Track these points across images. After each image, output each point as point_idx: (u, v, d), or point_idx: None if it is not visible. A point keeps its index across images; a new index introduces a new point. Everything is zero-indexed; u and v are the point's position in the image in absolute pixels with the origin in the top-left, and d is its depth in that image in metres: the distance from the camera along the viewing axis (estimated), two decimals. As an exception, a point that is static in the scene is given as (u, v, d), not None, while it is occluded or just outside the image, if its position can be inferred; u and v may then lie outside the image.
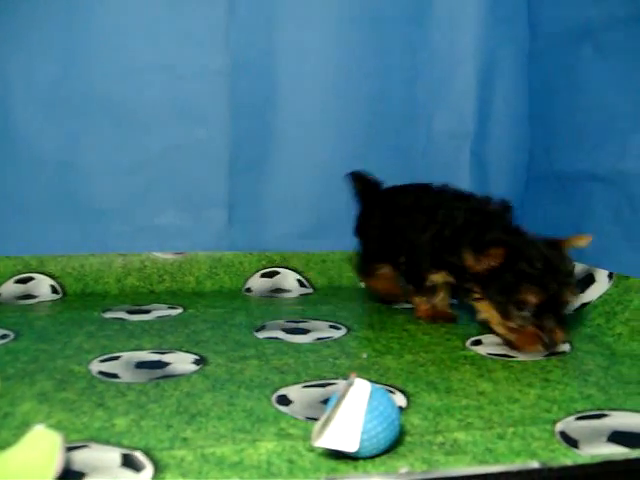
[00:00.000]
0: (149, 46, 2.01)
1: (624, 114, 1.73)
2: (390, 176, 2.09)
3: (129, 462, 0.91)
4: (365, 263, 1.95)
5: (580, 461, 0.81)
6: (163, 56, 2.02)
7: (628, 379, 1.30)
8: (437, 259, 1.61)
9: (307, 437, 0.92)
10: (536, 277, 1.39)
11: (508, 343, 1.47)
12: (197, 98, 2.05)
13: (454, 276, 1.58)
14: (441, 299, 1.75)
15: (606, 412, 1.12)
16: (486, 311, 1.48)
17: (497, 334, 1.49)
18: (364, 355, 1.42)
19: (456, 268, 1.54)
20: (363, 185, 2.03)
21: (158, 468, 0.89)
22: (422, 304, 1.73)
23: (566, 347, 1.49)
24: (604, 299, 1.72)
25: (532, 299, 1.39)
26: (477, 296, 1.49)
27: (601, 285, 1.77)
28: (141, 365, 1.34)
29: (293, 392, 1.20)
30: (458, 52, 2.21)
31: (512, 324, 1.43)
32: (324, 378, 1.27)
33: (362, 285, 2.13)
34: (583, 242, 1.47)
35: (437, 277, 1.64)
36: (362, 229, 1.96)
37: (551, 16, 2.09)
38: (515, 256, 1.41)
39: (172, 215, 2.09)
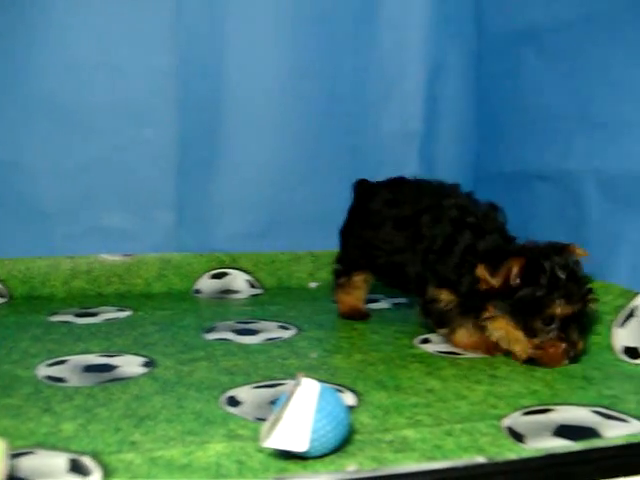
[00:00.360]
0: (94, 45, 1.99)
1: (568, 115, 1.76)
2: (339, 175, 2.11)
3: (76, 467, 0.90)
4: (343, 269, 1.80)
5: (524, 455, 0.83)
6: (109, 55, 2.00)
7: (572, 374, 1.33)
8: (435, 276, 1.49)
9: (256, 438, 0.92)
10: (562, 288, 1.32)
11: (529, 361, 1.38)
12: (144, 98, 2.04)
13: (455, 293, 1.46)
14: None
15: (551, 407, 1.14)
16: (503, 329, 1.38)
17: (514, 353, 1.39)
18: (314, 355, 1.43)
19: (457, 284, 1.45)
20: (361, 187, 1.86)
21: (106, 472, 0.88)
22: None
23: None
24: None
25: (563, 312, 1.32)
26: (490, 314, 1.38)
27: (548, 283, 1.80)
28: (89, 369, 1.33)
29: (242, 393, 1.20)
30: (406, 52, 2.24)
31: (537, 341, 1.35)
32: (274, 379, 1.28)
33: (312, 285, 2.14)
34: (580, 252, 1.42)
35: (443, 295, 1.49)
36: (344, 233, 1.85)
37: (498, 17, 2.12)
38: (535, 267, 1.33)
39: (120, 216, 2.07)
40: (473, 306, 1.41)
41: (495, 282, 1.33)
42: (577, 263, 1.37)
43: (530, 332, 1.34)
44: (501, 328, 1.37)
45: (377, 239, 1.63)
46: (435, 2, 2.22)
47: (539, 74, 1.89)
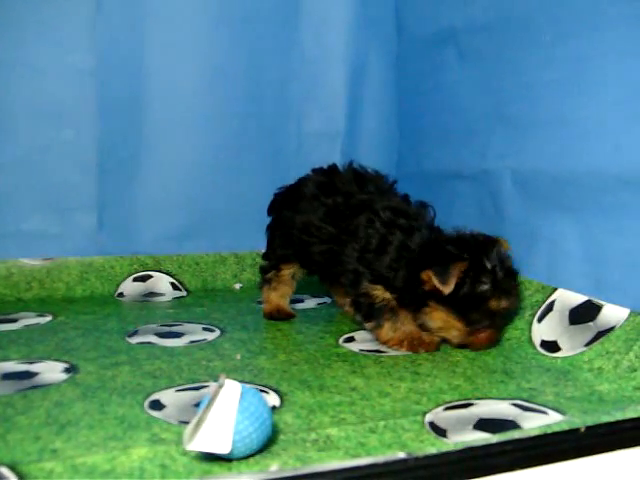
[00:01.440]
0: (11, 43, 1.94)
1: (485, 115, 1.80)
2: (262, 176, 2.11)
3: (-7, 478, 0.88)
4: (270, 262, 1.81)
5: (445, 449, 0.85)
6: (27, 54, 1.96)
7: (493, 368, 1.36)
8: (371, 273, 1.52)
9: (180, 441, 0.92)
10: (500, 284, 1.41)
11: (462, 346, 1.48)
12: (63, 98, 2.00)
13: (390, 290, 1.49)
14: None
15: (473, 401, 1.17)
16: (442, 319, 1.44)
17: (450, 339, 1.47)
18: (238, 356, 1.42)
19: (392, 280, 1.48)
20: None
21: (25, 482, 0.87)
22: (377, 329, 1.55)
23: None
24: (472, 293, 1.78)
25: (501, 306, 1.42)
26: (430, 309, 1.44)
27: (467, 279, 1.83)
28: (8, 376, 1.30)
29: (166, 397, 1.19)
30: (328, 53, 2.26)
31: (473, 329, 1.43)
32: (197, 381, 1.27)
33: (236, 287, 2.13)
34: (507, 246, 1.50)
35: (377, 292, 1.51)
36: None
37: (418, 19, 2.15)
38: (478, 267, 1.40)
39: (39, 219, 2.03)
40: (410, 301, 1.47)
41: (447, 290, 1.37)
42: (509, 258, 1.46)
43: (469, 322, 1.42)
44: (440, 318, 1.44)
45: (311, 225, 1.63)
46: (356, 5, 2.25)
47: (457, 75, 1.93)
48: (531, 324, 1.53)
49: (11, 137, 1.97)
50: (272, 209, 1.83)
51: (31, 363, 1.38)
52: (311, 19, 2.23)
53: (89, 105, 2.02)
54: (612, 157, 1.39)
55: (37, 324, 1.70)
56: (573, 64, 1.49)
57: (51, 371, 1.33)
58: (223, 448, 0.87)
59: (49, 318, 1.76)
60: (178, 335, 1.60)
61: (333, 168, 1.75)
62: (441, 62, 1.99)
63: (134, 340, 1.55)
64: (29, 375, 1.30)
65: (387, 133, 2.31)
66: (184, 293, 2.08)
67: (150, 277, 2.10)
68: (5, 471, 0.89)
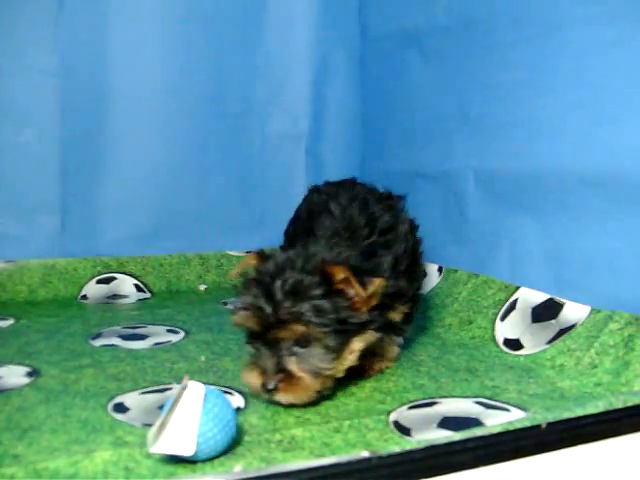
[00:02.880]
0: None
1: (448, 116, 1.82)
2: (226, 176, 2.11)
3: (-48, 484, 0.87)
4: None
5: (408, 447, 0.85)
6: (-15, 54, 1.93)
7: (457, 367, 1.37)
8: None
9: (144, 444, 0.91)
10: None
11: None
12: (24, 98, 1.98)
13: None
14: None
15: (437, 400, 1.18)
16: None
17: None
18: (202, 358, 1.42)
19: None
20: None
21: (-14, 488, 0.86)
22: None
23: (399, 340, 1.54)
24: (435, 292, 1.80)
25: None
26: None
27: (432, 279, 1.86)
28: (-33, 381, 1.28)
29: (130, 399, 1.18)
30: (292, 54, 2.26)
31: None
32: (162, 383, 1.26)
33: (201, 288, 2.12)
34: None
35: None
36: None
37: (380, 20, 2.17)
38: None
39: (0, 222, 2.00)
40: None
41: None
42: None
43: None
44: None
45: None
46: (319, 5, 2.26)
47: (421, 76, 1.94)
48: (494, 322, 1.55)
49: (-30, 138, 1.95)
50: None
51: (-8, 367, 1.36)
52: (275, 19, 2.23)
53: (51, 106, 2.00)
54: (572, 157, 1.42)
55: (-2, 328, 1.68)
56: (534, 65, 1.51)
57: (13, 375, 1.31)
58: (187, 450, 0.87)
59: (11, 321, 1.73)
60: (142, 337, 1.59)
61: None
62: (404, 63, 2.01)
63: (98, 343, 1.54)
64: (-10, 379, 1.29)
65: (351, 133, 2.32)
66: (148, 295, 2.07)
67: (114, 279, 2.08)
68: (-35, 477, 0.88)
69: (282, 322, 1.10)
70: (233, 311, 1.16)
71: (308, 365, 1.12)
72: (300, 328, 1.10)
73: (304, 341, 1.11)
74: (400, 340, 1.43)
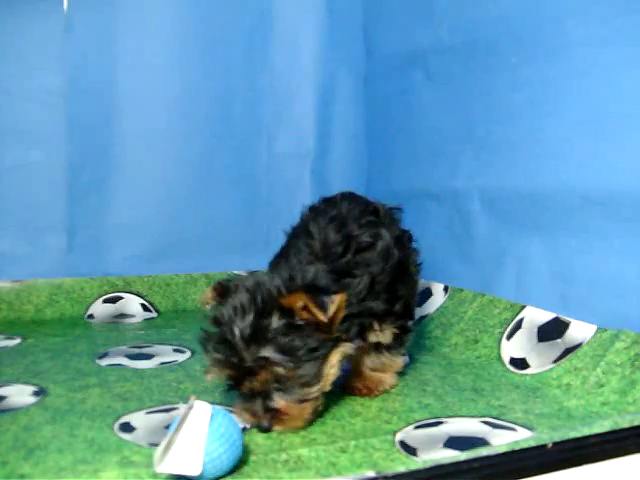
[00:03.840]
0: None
1: (453, 136, 1.83)
2: (233, 197, 2.11)
3: (-40, 503, 0.87)
4: None
5: (413, 467, 0.85)
6: (-6, 75, 1.95)
7: (463, 386, 1.37)
8: None
9: (151, 464, 0.91)
10: None
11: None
12: (32, 119, 2.00)
13: None
14: None
15: (443, 419, 1.18)
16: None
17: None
18: (208, 378, 1.41)
19: None
20: None
21: (-7, 507, 0.86)
22: None
23: (405, 359, 1.54)
24: (440, 311, 1.80)
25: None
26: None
27: (437, 298, 1.86)
28: (-25, 401, 1.28)
29: (136, 419, 1.18)
30: (298, 75, 2.28)
31: None
32: (168, 403, 1.26)
33: (208, 308, 2.12)
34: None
35: None
36: None
37: (385, 40, 2.18)
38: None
39: (8, 241, 2.01)
40: None
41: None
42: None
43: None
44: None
45: None
46: (325, 26, 2.28)
47: (426, 96, 1.95)
48: (500, 341, 1.54)
49: (-22, 158, 1.96)
50: None
51: (-1, 387, 1.36)
52: (281, 39, 2.25)
53: (58, 126, 2.02)
54: (577, 177, 1.42)
55: (5, 347, 1.68)
56: (538, 85, 1.52)
57: (20, 394, 1.31)
58: (194, 470, 0.87)
59: (18, 341, 1.74)
60: (148, 357, 1.59)
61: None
62: (409, 83, 2.02)
63: (104, 362, 1.54)
64: (-3, 399, 1.29)
65: (356, 153, 2.33)
66: (154, 314, 2.07)
67: (120, 298, 2.08)
68: (-28, 497, 0.88)
69: (251, 370, 1.07)
70: (206, 369, 1.14)
71: (292, 397, 1.10)
72: (270, 374, 1.08)
73: (280, 381, 1.09)
74: (403, 357, 1.41)
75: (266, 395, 1.10)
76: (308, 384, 1.11)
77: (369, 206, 1.40)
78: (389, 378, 1.36)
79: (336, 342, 1.15)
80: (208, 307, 1.18)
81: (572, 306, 1.44)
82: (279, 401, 1.10)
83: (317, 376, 1.12)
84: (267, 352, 1.06)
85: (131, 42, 2.07)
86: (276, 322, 1.08)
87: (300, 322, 1.09)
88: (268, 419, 1.09)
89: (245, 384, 1.09)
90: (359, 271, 1.24)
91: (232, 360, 1.07)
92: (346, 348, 1.19)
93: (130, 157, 2.11)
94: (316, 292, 1.12)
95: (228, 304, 1.11)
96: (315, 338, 1.10)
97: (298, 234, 1.32)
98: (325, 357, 1.13)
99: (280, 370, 1.07)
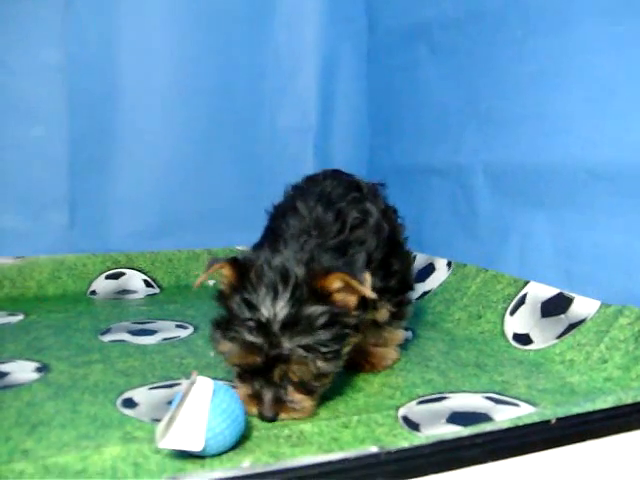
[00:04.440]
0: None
1: (457, 111, 1.81)
2: (235, 172, 2.11)
3: (-38, 480, 0.87)
4: None
5: (416, 442, 0.85)
6: (-7, 51, 1.93)
7: (466, 362, 1.37)
8: None
9: (153, 439, 0.91)
10: None
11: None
12: (32, 95, 1.99)
13: None
14: None
15: (446, 395, 1.18)
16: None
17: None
18: (211, 354, 1.41)
19: None
20: None
21: (-4, 483, 0.86)
22: None
23: (408, 335, 1.54)
24: (444, 287, 1.80)
25: None
26: None
27: (441, 273, 1.85)
28: (-22, 377, 1.28)
29: (139, 395, 1.18)
30: (300, 49, 2.26)
31: None
32: (171, 379, 1.26)
33: (210, 283, 2.12)
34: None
35: None
36: None
37: (389, 15, 2.16)
38: None
39: (10, 218, 2.01)
40: None
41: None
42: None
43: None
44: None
45: None
46: (328, 1, 2.25)
47: (430, 70, 1.93)
48: (503, 317, 1.54)
49: (-21, 135, 1.95)
50: None
51: (2, 363, 1.36)
52: (283, 14, 2.23)
53: (59, 102, 2.01)
54: (583, 152, 1.41)
55: (8, 323, 1.68)
56: (544, 60, 1.50)
57: (22, 371, 1.31)
58: (196, 445, 0.87)
59: (20, 317, 1.74)
60: (151, 333, 1.59)
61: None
62: (413, 57, 2.00)
63: (107, 338, 1.54)
64: (0, 375, 1.29)
65: (359, 128, 2.32)
66: (157, 290, 2.08)
67: (123, 274, 2.08)
68: (-26, 472, 0.88)
69: (281, 359, 1.03)
70: (217, 339, 1.08)
71: (307, 389, 1.07)
72: (302, 367, 1.04)
73: (305, 372, 1.06)
74: (404, 331, 1.40)
75: (281, 387, 1.06)
76: (326, 376, 1.08)
77: (352, 183, 1.38)
78: (391, 352, 1.36)
79: (356, 328, 1.12)
80: (211, 283, 1.16)
81: (576, 282, 1.44)
82: (293, 393, 1.07)
83: (336, 367, 1.10)
84: (308, 341, 1.03)
85: (131, 17, 2.06)
86: (315, 309, 1.04)
87: (336, 309, 1.06)
88: (274, 411, 1.06)
89: (267, 370, 1.04)
90: (354, 249, 1.22)
91: (265, 346, 1.02)
92: (357, 338, 1.16)
93: (131, 132, 2.10)
94: (343, 268, 1.09)
95: (260, 286, 1.05)
96: (343, 324, 1.08)
97: (285, 213, 1.27)
98: (345, 344, 1.10)
99: (312, 366, 1.04)
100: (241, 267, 1.09)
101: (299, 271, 1.06)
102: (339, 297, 1.07)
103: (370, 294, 1.07)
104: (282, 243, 1.15)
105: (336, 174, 1.43)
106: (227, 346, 1.06)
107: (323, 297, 1.06)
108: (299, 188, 1.39)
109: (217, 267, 1.11)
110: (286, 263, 1.07)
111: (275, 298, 1.04)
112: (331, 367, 1.07)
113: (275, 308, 1.03)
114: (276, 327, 1.02)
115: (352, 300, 1.09)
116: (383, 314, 1.30)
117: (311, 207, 1.24)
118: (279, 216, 1.29)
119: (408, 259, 1.45)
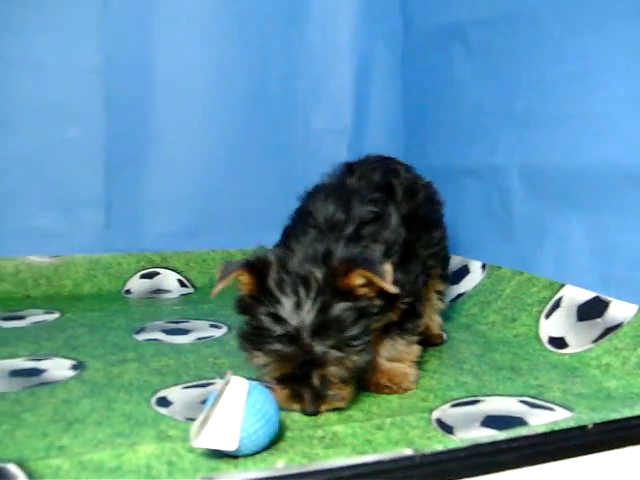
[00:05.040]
0: (18, 42, 1.95)
1: (493, 111, 1.80)
2: (269, 173, 2.11)
3: (0, 475, 0.88)
4: None
5: (452, 446, 0.84)
6: (33, 52, 1.96)
7: (501, 365, 1.35)
8: None
9: (187, 438, 0.91)
10: None
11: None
12: (70, 96, 2.01)
13: None
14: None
15: (480, 398, 1.17)
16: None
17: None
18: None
19: None
20: None
21: (33, 479, 0.86)
22: None
23: (444, 337, 1.54)
24: (478, 289, 1.78)
25: None
26: None
27: (475, 276, 1.84)
28: (15, 373, 1.30)
29: (173, 393, 1.19)
30: (334, 50, 2.26)
31: None
32: (204, 378, 1.27)
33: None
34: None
35: None
36: None
37: (423, 15, 2.15)
38: None
39: (47, 217, 2.03)
40: None
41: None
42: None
43: None
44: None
45: None
46: (362, 1, 2.25)
47: (465, 70, 1.92)
48: (538, 320, 1.52)
49: (19, 135, 1.98)
50: None
51: (39, 360, 1.38)
52: (318, 15, 2.23)
53: (96, 103, 2.03)
54: (621, 153, 1.39)
55: (44, 321, 1.70)
56: (582, 59, 1.48)
57: (58, 368, 1.33)
58: (230, 445, 0.87)
59: (56, 315, 1.76)
60: (185, 332, 1.60)
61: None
62: (448, 57, 1.99)
63: (141, 337, 1.55)
64: (37, 372, 1.30)
65: (394, 129, 2.31)
66: (191, 290, 2.09)
67: (157, 274, 2.10)
68: (13, 468, 0.89)
69: (317, 363, 1.04)
70: (249, 352, 1.09)
71: (342, 380, 1.08)
72: (339, 367, 1.05)
73: (342, 372, 1.06)
74: (416, 343, 1.30)
75: (320, 384, 1.07)
76: (359, 367, 1.08)
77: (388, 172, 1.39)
78: (409, 369, 1.27)
79: (378, 314, 1.11)
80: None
81: (613, 285, 1.42)
82: (332, 389, 1.08)
83: (369, 355, 1.09)
84: (340, 341, 1.03)
85: (167, 19, 2.07)
86: (341, 309, 1.04)
87: (361, 304, 1.06)
88: (315, 405, 1.07)
89: (313, 377, 1.05)
90: (365, 242, 1.18)
91: (299, 355, 1.03)
92: (382, 321, 1.16)
93: (167, 133, 2.11)
94: (364, 263, 1.07)
95: (283, 296, 1.05)
96: (370, 315, 1.08)
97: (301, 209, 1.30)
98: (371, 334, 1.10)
99: (345, 363, 1.05)
100: (258, 272, 1.08)
101: (318, 273, 1.05)
102: (362, 291, 1.07)
103: (392, 289, 1.06)
104: (294, 240, 1.15)
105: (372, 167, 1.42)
106: (261, 360, 1.06)
107: (347, 294, 1.06)
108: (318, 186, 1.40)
109: (235, 275, 1.10)
110: (304, 265, 1.07)
111: (300, 306, 1.03)
112: (365, 357, 1.07)
113: (302, 316, 1.03)
114: (306, 334, 1.02)
115: (373, 291, 1.08)
116: (394, 313, 1.23)
117: (323, 207, 1.23)
118: (296, 211, 1.32)
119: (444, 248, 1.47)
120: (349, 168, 1.42)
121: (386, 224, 1.24)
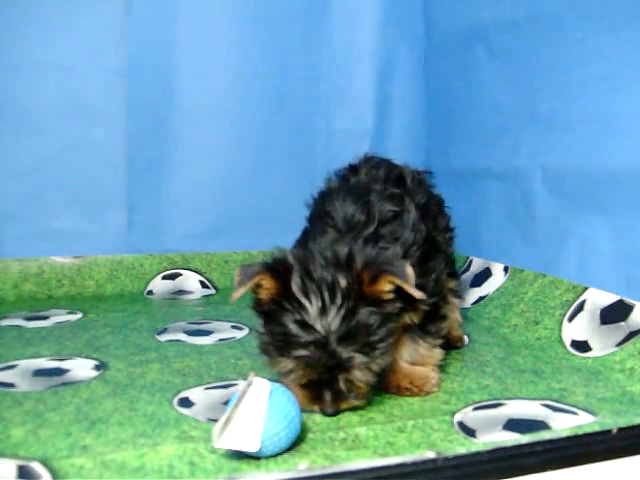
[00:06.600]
0: (41, 43, 1.96)
1: (515, 114, 1.79)
2: (291, 174, 2.11)
3: (25, 473, 0.88)
4: None
5: (474, 449, 0.84)
6: (57, 53, 1.98)
7: (523, 368, 1.35)
8: None
9: (209, 439, 0.92)
10: None
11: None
12: (93, 97, 2.02)
13: None
14: None
15: (502, 401, 1.16)
16: None
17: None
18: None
19: None
20: None
21: (56, 477, 0.87)
22: None
23: (465, 340, 1.53)
24: (500, 292, 1.78)
25: None
26: None
27: (497, 278, 1.83)
28: (39, 373, 1.31)
29: (195, 394, 1.19)
30: (356, 52, 2.25)
31: None
32: (226, 379, 1.27)
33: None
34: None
35: None
36: None
37: (446, 17, 2.14)
38: None
39: (70, 218, 2.04)
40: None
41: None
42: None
43: None
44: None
45: None
46: (384, 3, 2.25)
47: (487, 73, 1.91)
48: (561, 324, 1.51)
49: (42, 136, 1.99)
50: None
51: (62, 360, 1.39)
52: (340, 17, 2.23)
53: (119, 104, 2.04)
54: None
55: (68, 321, 1.72)
56: (605, 61, 1.47)
57: (81, 368, 1.34)
58: (252, 446, 0.87)
59: (79, 315, 1.77)
60: (207, 333, 1.60)
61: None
62: (470, 60, 1.98)
63: (163, 338, 1.56)
64: (60, 372, 1.31)
65: (415, 131, 2.30)
66: (213, 291, 2.09)
67: (179, 275, 2.11)
68: (37, 466, 0.90)
69: (344, 369, 1.04)
70: (273, 358, 1.08)
71: (364, 383, 1.08)
72: (364, 371, 1.05)
73: (368, 375, 1.07)
74: (440, 347, 1.29)
75: (343, 388, 1.07)
76: (380, 368, 1.09)
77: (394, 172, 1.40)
78: (432, 372, 1.25)
79: (397, 314, 1.12)
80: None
81: (637, 288, 1.40)
82: (354, 392, 1.08)
83: (392, 356, 1.11)
84: (366, 346, 1.04)
85: (190, 21, 2.08)
86: (367, 314, 1.04)
87: (387, 309, 1.07)
88: (335, 406, 1.07)
89: (339, 382, 1.05)
90: (384, 242, 1.18)
91: (325, 361, 1.03)
92: (400, 322, 1.16)
93: (189, 135, 2.12)
94: (389, 267, 1.06)
95: (308, 302, 1.04)
96: (391, 318, 1.08)
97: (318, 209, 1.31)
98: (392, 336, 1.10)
99: (376, 361, 1.05)
100: (281, 276, 1.07)
101: (342, 278, 1.05)
102: (388, 297, 1.07)
103: (418, 294, 1.06)
104: (312, 240, 1.15)
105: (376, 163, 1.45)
106: (286, 365, 1.06)
107: (372, 300, 1.06)
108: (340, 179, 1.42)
109: (257, 280, 1.07)
110: (327, 269, 1.06)
111: (326, 312, 1.03)
112: (388, 359, 1.08)
113: (328, 322, 1.03)
114: (333, 340, 1.02)
115: (415, 296, 1.07)
116: (414, 315, 1.21)
117: (341, 206, 1.23)
118: (312, 212, 1.34)
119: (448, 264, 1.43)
120: (353, 168, 1.46)
121: (405, 222, 1.23)
